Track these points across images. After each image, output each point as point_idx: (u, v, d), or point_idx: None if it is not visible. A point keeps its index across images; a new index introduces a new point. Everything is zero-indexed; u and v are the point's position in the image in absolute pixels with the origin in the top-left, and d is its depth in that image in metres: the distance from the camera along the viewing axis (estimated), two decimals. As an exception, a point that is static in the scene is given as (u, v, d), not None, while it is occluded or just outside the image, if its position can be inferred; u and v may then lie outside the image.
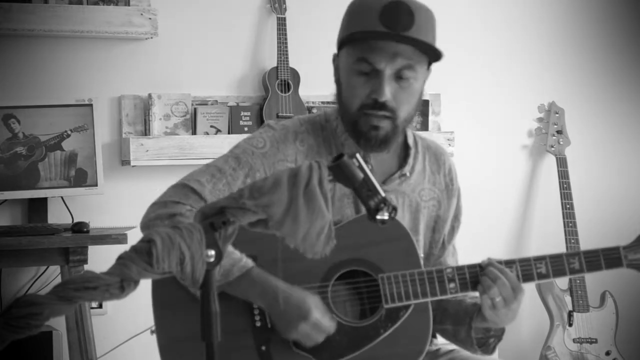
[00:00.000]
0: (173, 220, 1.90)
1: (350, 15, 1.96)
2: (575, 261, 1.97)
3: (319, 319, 1.88)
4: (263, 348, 1.91)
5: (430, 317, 1.97)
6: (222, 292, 1.86)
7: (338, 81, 2.01)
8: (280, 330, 1.90)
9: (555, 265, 1.97)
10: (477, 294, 1.96)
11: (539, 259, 1.97)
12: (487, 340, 2.06)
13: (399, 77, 1.91)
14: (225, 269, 1.85)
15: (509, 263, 1.97)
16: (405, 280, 1.94)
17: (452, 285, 1.95)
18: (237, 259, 1.87)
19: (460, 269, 1.96)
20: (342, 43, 1.96)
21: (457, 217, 2.18)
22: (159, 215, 1.92)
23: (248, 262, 1.89)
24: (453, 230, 2.17)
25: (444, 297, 1.96)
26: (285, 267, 1.89)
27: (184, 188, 1.96)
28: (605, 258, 1.99)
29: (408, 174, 2.07)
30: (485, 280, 1.93)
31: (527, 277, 1.96)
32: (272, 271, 1.90)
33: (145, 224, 1.95)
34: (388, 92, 1.90)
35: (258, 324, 1.92)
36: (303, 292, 1.89)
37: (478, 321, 2.01)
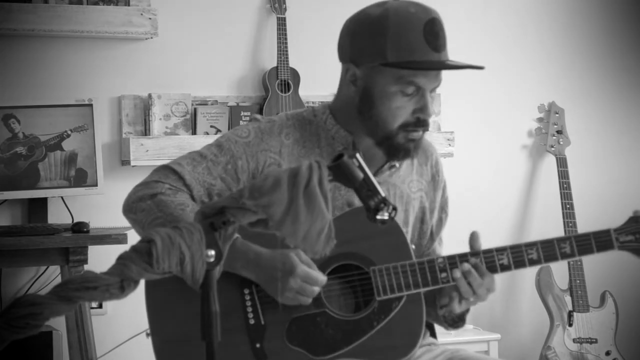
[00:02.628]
0: (155, 199, 1.92)
1: (391, 36, 1.91)
2: (566, 245, 1.97)
3: (306, 270, 1.88)
4: (257, 345, 1.92)
5: (424, 308, 1.97)
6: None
7: (367, 97, 1.96)
8: (274, 295, 1.90)
9: (547, 250, 1.97)
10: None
11: (530, 245, 1.98)
12: (457, 323, 2.09)
13: (432, 90, 1.96)
14: None
15: (499, 250, 1.98)
16: (397, 271, 1.95)
17: (443, 275, 1.96)
18: None
19: (451, 258, 1.97)
20: (383, 64, 1.92)
21: (444, 209, 2.19)
22: (141, 197, 1.95)
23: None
24: (441, 221, 2.19)
25: (436, 287, 1.97)
26: None
27: (164, 169, 1.99)
28: (597, 241, 1.99)
29: (397, 165, 2.07)
30: (463, 284, 1.94)
31: (519, 264, 1.97)
32: None
33: (128, 207, 1.97)
34: (432, 110, 1.95)
35: (252, 321, 1.92)
36: (286, 250, 1.88)
37: (442, 300, 2.02)
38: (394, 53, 1.90)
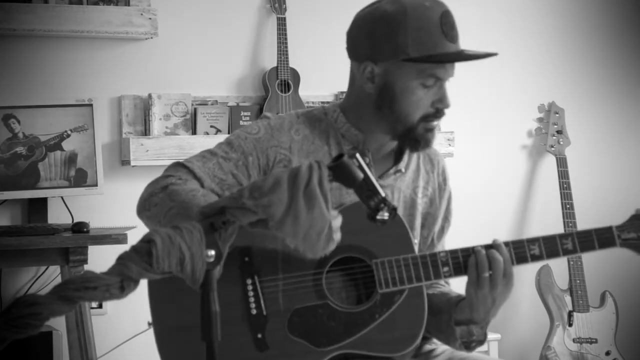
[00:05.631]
0: (166, 191, 1.92)
1: (411, 32, 1.94)
2: (568, 242, 1.98)
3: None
4: (259, 336, 1.92)
5: (425, 302, 1.97)
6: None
7: (387, 93, 1.98)
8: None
9: (549, 246, 1.98)
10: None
11: (532, 240, 1.98)
12: (470, 344, 2.06)
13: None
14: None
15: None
16: (399, 265, 1.95)
17: (446, 269, 1.96)
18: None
19: (454, 252, 1.97)
20: (404, 58, 1.95)
21: (447, 218, 2.20)
22: (152, 192, 1.95)
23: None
24: (443, 230, 2.20)
25: (438, 280, 1.98)
26: (282, 254, 1.90)
27: (174, 166, 2.01)
28: (599, 238, 2.00)
29: (403, 170, 2.09)
30: (482, 257, 1.93)
31: (521, 259, 1.97)
32: (270, 258, 1.92)
33: (142, 205, 1.97)
34: (449, 99, 1.99)
35: (254, 312, 1.93)
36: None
37: (458, 310, 2.01)
38: (415, 48, 1.94)
